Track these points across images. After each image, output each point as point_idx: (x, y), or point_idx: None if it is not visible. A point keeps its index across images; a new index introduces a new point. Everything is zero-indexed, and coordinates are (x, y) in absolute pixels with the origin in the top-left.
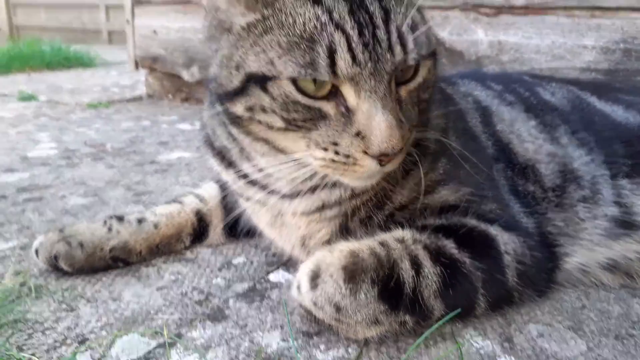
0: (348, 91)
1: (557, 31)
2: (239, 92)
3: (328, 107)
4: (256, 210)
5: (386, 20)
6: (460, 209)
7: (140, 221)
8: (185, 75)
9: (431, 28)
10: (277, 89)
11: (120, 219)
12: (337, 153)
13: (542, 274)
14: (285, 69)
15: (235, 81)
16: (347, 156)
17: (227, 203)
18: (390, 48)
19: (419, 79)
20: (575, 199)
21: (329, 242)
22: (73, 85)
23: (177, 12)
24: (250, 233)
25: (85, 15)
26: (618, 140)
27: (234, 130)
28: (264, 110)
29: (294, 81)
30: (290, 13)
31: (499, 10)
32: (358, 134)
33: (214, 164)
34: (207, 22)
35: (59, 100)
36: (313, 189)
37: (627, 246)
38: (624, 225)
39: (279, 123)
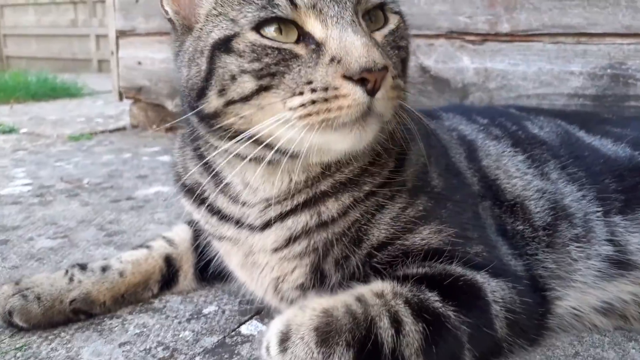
0: (314, 24)
1: (543, 58)
2: (209, 76)
3: (297, 49)
4: (228, 250)
5: None
6: (445, 254)
7: (104, 269)
8: (170, 106)
9: None
10: (242, 42)
11: (83, 267)
12: (313, 91)
13: (533, 321)
14: (246, 17)
15: (203, 65)
16: (326, 89)
17: (199, 246)
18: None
19: (390, 25)
20: (567, 238)
21: (302, 286)
22: (57, 117)
23: (161, 43)
24: (224, 277)
25: (75, 45)
26: (609, 174)
27: (211, 140)
28: (233, 78)
29: (258, 32)
30: None
31: (485, 37)
32: (332, 59)
33: (185, 203)
34: (173, 40)
35: (41, 132)
36: (283, 216)
37: (622, 287)
38: (619, 265)
39: (251, 82)
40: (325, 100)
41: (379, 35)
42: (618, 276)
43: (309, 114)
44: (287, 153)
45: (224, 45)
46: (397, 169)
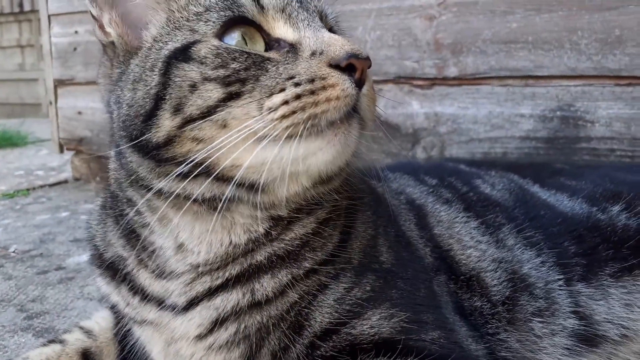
0: (283, 29)
1: (493, 101)
2: (161, 92)
3: (269, 55)
4: (149, 338)
5: None
6: (399, 347)
7: None
8: None
9: None
10: (204, 48)
11: None
12: (297, 85)
13: None
14: (207, 23)
15: (154, 81)
16: (312, 80)
17: (123, 334)
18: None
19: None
20: (528, 312)
21: None
22: None
23: None
24: None
25: (23, 90)
26: (568, 235)
27: (153, 180)
28: (194, 87)
29: (221, 40)
30: None
31: (433, 81)
32: (314, 53)
33: (102, 283)
34: (109, 68)
35: None
36: (211, 293)
37: None
38: (587, 339)
39: (217, 91)
40: (312, 92)
41: None
42: (587, 352)
43: (294, 112)
44: (246, 186)
45: (182, 54)
46: (342, 242)
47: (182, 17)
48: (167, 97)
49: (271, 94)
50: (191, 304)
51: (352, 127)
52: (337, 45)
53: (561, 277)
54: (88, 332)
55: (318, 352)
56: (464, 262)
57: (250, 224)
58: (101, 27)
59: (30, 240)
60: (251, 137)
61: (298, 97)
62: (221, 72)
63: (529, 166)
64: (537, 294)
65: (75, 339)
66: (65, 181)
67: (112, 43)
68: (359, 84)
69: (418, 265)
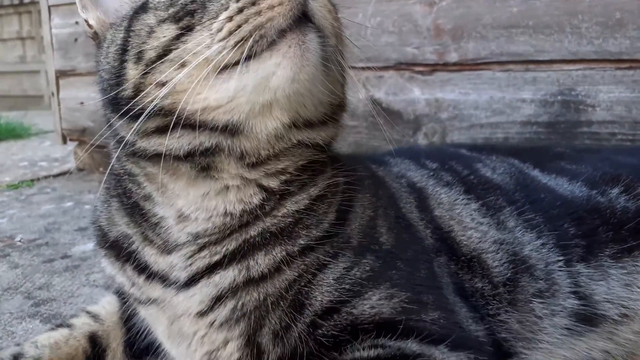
0: None
1: (494, 86)
2: (126, 44)
3: None
4: (154, 318)
5: None
6: (399, 327)
7: (16, 358)
8: None
9: None
10: None
11: None
12: (240, 11)
13: None
14: None
15: (119, 39)
16: (253, 3)
17: (129, 317)
18: None
19: None
20: (529, 293)
21: None
22: None
23: None
24: (157, 352)
25: (25, 82)
26: (568, 218)
27: (138, 143)
28: (151, 31)
29: None
30: None
31: (434, 67)
32: None
33: (107, 264)
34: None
35: None
36: (210, 269)
37: (593, 344)
38: (586, 319)
39: (170, 29)
40: (253, 3)
41: None
42: (587, 332)
43: (239, 25)
44: (222, 129)
45: (142, 8)
46: (339, 221)
47: None
48: (129, 47)
49: (217, 15)
50: (192, 280)
51: (308, 37)
52: None
53: (561, 258)
54: (95, 317)
55: (319, 331)
56: (464, 243)
57: (243, 192)
58: (89, 24)
59: (35, 229)
60: (206, 66)
61: (241, 10)
62: (172, 10)
63: (530, 150)
64: (538, 275)
65: (83, 323)
66: (69, 172)
67: (96, 33)
68: None
69: (418, 247)
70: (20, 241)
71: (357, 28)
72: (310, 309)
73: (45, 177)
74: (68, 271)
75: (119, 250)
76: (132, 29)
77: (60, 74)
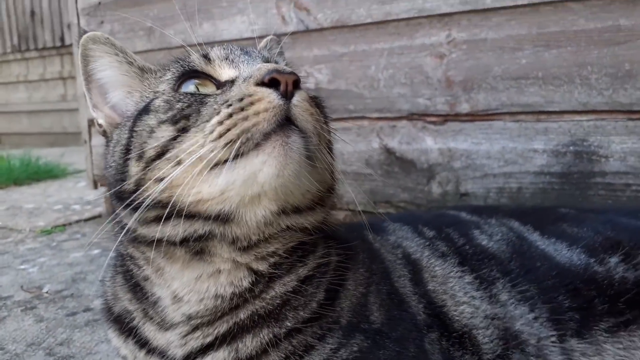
0: (228, 72)
1: (505, 136)
2: (129, 143)
3: (211, 90)
4: None
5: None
6: None
7: None
8: None
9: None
10: (160, 99)
11: None
12: (229, 105)
13: None
14: (166, 82)
15: (124, 139)
16: (241, 99)
17: None
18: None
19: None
20: None
21: None
22: (35, 204)
23: None
24: None
25: (65, 119)
26: (563, 289)
27: (139, 229)
28: (152, 132)
29: (177, 91)
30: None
31: (445, 118)
32: (245, 79)
33: (113, 337)
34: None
35: (14, 226)
36: (204, 350)
37: None
38: None
39: (168, 130)
40: (242, 109)
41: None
42: None
43: (228, 129)
44: (214, 218)
45: (145, 110)
46: (328, 301)
47: (149, 88)
48: (132, 146)
49: (209, 119)
50: (188, 358)
51: (291, 139)
52: (264, 68)
53: (554, 333)
54: None
55: None
56: (457, 318)
57: (233, 275)
58: (98, 124)
59: (63, 279)
60: (199, 163)
61: (230, 115)
62: (170, 114)
63: (533, 212)
64: (529, 351)
65: None
66: (99, 215)
67: (105, 131)
68: (286, 96)
69: (409, 324)
70: (47, 292)
71: (370, 80)
72: None
73: (77, 222)
74: (88, 325)
75: (122, 324)
76: (135, 129)
77: (92, 123)
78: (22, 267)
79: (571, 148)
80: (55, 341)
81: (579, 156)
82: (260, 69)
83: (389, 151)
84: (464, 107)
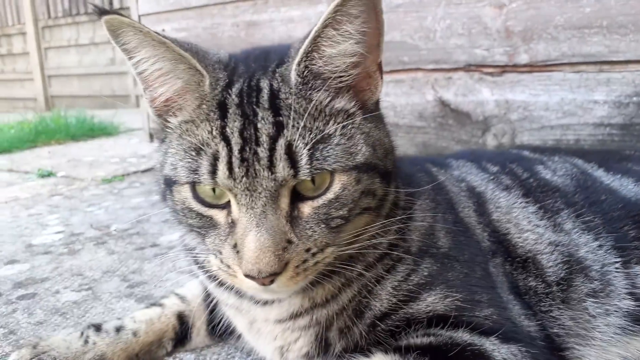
0: (233, 202)
1: (565, 87)
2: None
3: (220, 216)
4: (233, 316)
5: (275, 136)
6: (451, 320)
7: (118, 330)
8: None
9: (369, 136)
10: (178, 193)
11: (97, 328)
12: (221, 262)
13: None
14: (181, 173)
15: (161, 183)
16: (228, 266)
17: (211, 301)
18: (271, 165)
19: (329, 195)
20: (583, 293)
21: (308, 355)
22: (93, 158)
23: None
24: (235, 334)
25: (114, 82)
26: (629, 220)
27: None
28: (175, 211)
29: (193, 188)
30: (199, 123)
31: (503, 69)
32: (235, 246)
33: (190, 263)
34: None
35: (76, 175)
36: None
37: None
38: None
39: (185, 226)
40: (228, 273)
41: (308, 206)
42: None
43: (220, 273)
44: None
45: (170, 185)
46: (400, 235)
47: (178, 144)
48: (168, 197)
49: (208, 252)
50: (266, 302)
51: (277, 281)
52: (245, 258)
53: (618, 259)
54: (182, 298)
55: (379, 328)
56: (520, 244)
57: None
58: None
59: (127, 220)
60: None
61: (220, 267)
62: (183, 220)
63: (596, 152)
64: (593, 275)
65: (172, 304)
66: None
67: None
68: (265, 284)
69: (474, 249)
70: (115, 230)
71: (426, 31)
72: (369, 314)
73: (134, 172)
74: (157, 258)
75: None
76: (166, 194)
77: None
78: (89, 209)
79: (634, 99)
80: (128, 270)
81: None
82: (246, 253)
83: (443, 103)
84: (523, 58)
